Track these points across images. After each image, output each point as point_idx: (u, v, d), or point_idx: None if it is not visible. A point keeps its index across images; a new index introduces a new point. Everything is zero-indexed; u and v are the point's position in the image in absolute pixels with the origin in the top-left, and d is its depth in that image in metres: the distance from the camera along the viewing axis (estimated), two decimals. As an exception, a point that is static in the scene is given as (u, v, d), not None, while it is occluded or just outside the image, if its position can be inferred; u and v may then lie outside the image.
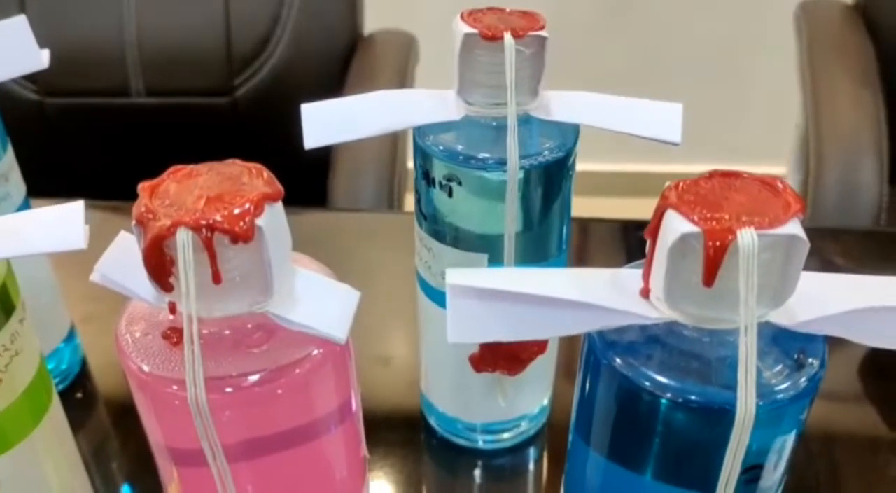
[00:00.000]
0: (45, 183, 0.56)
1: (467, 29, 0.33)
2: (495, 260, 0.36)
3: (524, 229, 0.36)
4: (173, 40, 1.02)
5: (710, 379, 0.24)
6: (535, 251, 0.37)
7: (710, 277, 0.22)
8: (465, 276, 0.25)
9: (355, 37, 1.05)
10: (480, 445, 0.44)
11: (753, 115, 1.55)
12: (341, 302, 0.26)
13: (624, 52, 1.56)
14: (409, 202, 1.01)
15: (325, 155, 0.94)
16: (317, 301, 0.25)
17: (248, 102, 1.03)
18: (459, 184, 0.35)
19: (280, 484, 0.28)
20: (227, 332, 0.25)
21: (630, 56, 1.57)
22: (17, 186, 0.42)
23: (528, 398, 0.43)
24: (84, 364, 0.50)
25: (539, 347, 0.41)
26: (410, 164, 1.06)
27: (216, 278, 0.23)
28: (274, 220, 0.24)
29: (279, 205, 0.24)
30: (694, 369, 0.24)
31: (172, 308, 0.24)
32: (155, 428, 0.27)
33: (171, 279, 0.23)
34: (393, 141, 0.93)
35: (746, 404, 0.23)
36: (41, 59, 0.38)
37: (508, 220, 0.35)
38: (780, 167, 1.41)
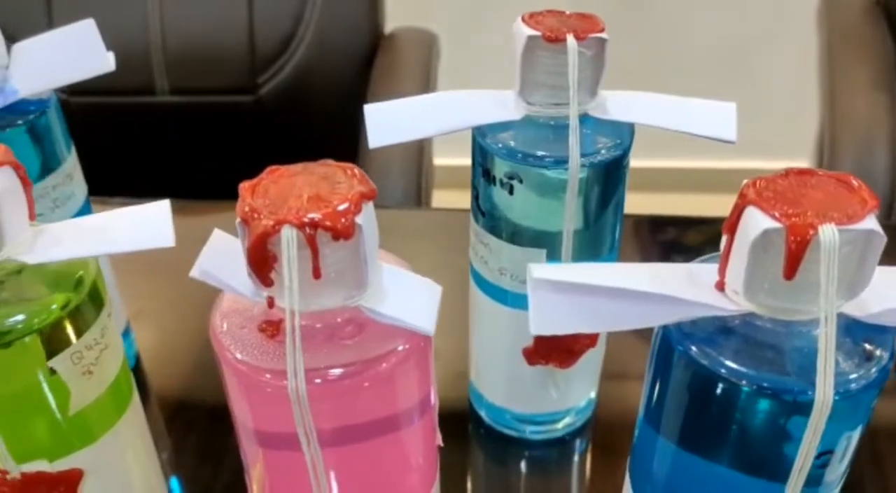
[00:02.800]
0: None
1: (530, 31, 0.34)
2: (553, 256, 0.37)
3: (581, 227, 0.37)
4: (197, 39, 1.03)
5: (785, 368, 0.25)
6: (590, 248, 0.38)
7: (791, 270, 0.23)
8: (548, 270, 0.26)
9: (377, 35, 1.06)
10: (529, 436, 0.45)
11: (770, 111, 1.56)
12: (426, 296, 0.27)
13: (638, 49, 1.57)
14: (437, 199, 1.02)
15: (349, 153, 0.95)
16: (404, 295, 0.27)
17: (272, 100, 1.04)
18: (521, 181, 0.36)
19: (363, 471, 0.29)
20: (318, 325, 0.26)
21: (644, 53, 1.58)
22: (80, 185, 0.43)
23: (577, 391, 0.44)
24: (138, 359, 0.51)
25: (590, 340, 0.42)
26: (438, 161, 1.07)
27: (316, 274, 0.24)
28: (369, 217, 0.25)
29: (371, 203, 0.25)
30: (770, 359, 0.25)
31: (271, 303, 0.25)
32: (245, 413, 0.28)
33: (272, 275, 0.25)
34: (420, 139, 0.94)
35: (825, 393, 0.24)
36: (108, 61, 0.39)
37: (567, 217, 0.36)
38: (801, 162, 1.42)
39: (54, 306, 0.28)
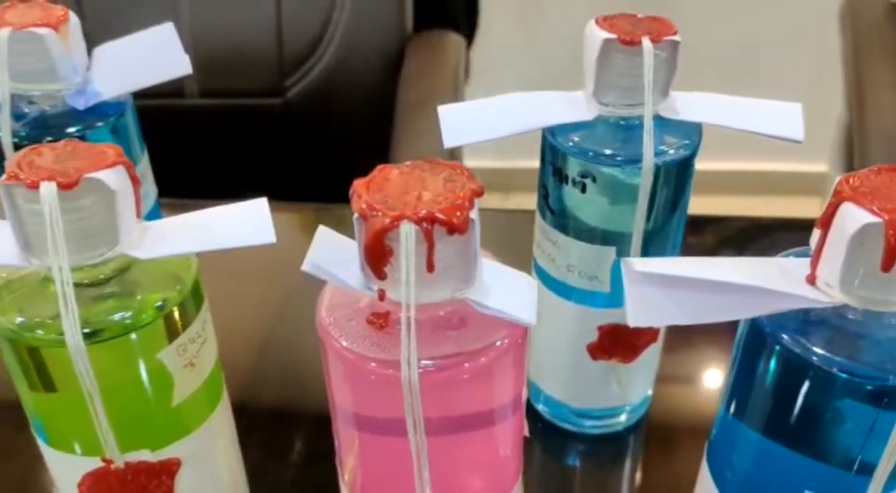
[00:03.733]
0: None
1: (606, 34, 0.35)
2: (621, 254, 0.38)
3: (650, 225, 0.38)
4: (226, 42, 1.04)
5: (877, 358, 0.26)
6: (657, 246, 0.39)
7: (889, 263, 0.24)
8: (644, 264, 0.27)
9: (405, 38, 1.07)
10: (587, 430, 0.46)
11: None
12: (524, 289, 0.28)
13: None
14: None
15: (377, 155, 0.96)
16: (504, 288, 0.28)
17: (300, 102, 1.05)
18: (593, 181, 0.37)
19: (458, 461, 0.30)
20: (423, 317, 0.27)
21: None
22: (152, 185, 0.44)
23: (636, 386, 0.45)
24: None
25: (652, 335, 0.43)
26: (468, 162, 1.08)
27: (430, 267, 0.25)
28: (476, 213, 0.26)
29: (477, 200, 0.26)
30: (861, 349, 0.26)
31: (382, 295, 0.26)
32: (347, 397, 0.29)
33: (386, 268, 0.26)
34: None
35: (920, 380, 0.25)
36: (186, 64, 0.40)
37: (639, 215, 0.37)
38: (819, 164, 1.43)
39: (159, 303, 0.29)
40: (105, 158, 0.28)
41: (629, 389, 0.45)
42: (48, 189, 0.26)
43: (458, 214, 0.25)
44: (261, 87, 1.05)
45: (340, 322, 0.28)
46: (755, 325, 0.28)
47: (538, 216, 0.41)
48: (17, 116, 0.39)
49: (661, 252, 0.40)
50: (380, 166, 0.27)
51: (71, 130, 0.39)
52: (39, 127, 0.39)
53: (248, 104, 1.06)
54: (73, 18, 0.38)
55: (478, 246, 0.26)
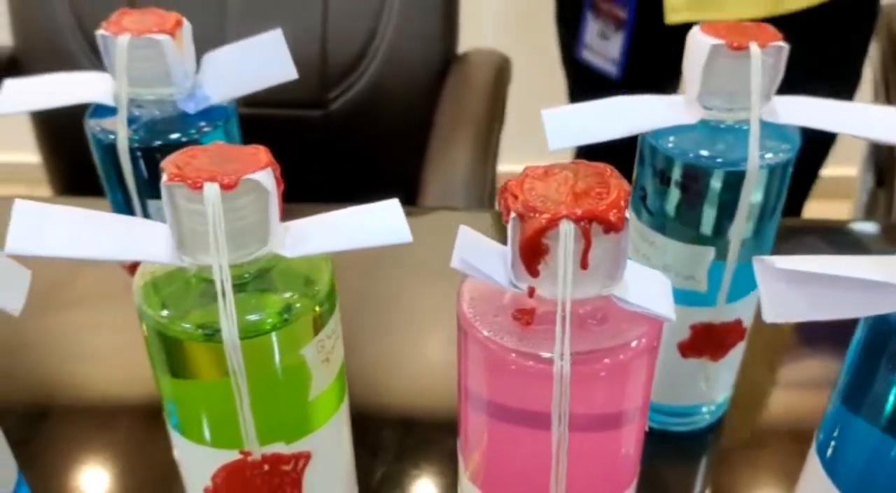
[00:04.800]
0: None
1: (714, 40, 0.36)
2: (720, 255, 0.39)
3: (750, 226, 0.39)
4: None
5: None
6: (754, 248, 0.40)
7: None
8: (777, 261, 0.28)
9: (449, 55, 1.07)
10: (671, 428, 0.47)
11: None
12: (660, 286, 0.29)
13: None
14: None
15: (414, 169, 0.96)
16: (643, 285, 0.29)
17: (341, 115, 1.06)
18: (696, 182, 0.38)
19: (585, 457, 0.31)
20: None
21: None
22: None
23: (721, 384, 0.46)
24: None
25: (740, 334, 0.44)
26: (501, 168, 1.07)
27: (584, 265, 0.26)
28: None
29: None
30: None
31: (532, 292, 0.27)
32: (482, 386, 0.30)
33: (539, 266, 0.27)
34: (485, 151, 0.96)
35: None
36: (292, 70, 0.41)
37: (739, 216, 0.38)
38: (848, 168, 1.44)
39: (304, 301, 0.30)
40: (259, 160, 0.29)
41: (714, 387, 0.46)
42: (211, 190, 0.27)
43: (615, 212, 0.26)
44: (303, 98, 1.06)
45: (486, 317, 0.29)
46: (882, 321, 0.29)
47: (633, 217, 0.42)
48: (129, 119, 0.40)
49: (758, 252, 0.40)
50: (529, 167, 0.28)
51: (180, 134, 0.40)
52: (151, 130, 0.40)
53: (290, 115, 1.06)
54: (186, 25, 0.40)
55: (627, 244, 0.27)
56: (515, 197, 0.26)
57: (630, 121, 0.38)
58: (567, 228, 0.25)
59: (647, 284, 0.29)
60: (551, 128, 0.38)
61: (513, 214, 0.26)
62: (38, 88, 0.42)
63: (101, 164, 0.42)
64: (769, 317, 0.28)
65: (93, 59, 1.05)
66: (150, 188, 0.41)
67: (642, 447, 0.33)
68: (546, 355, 0.27)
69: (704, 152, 0.38)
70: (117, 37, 0.38)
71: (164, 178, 0.28)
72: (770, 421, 0.49)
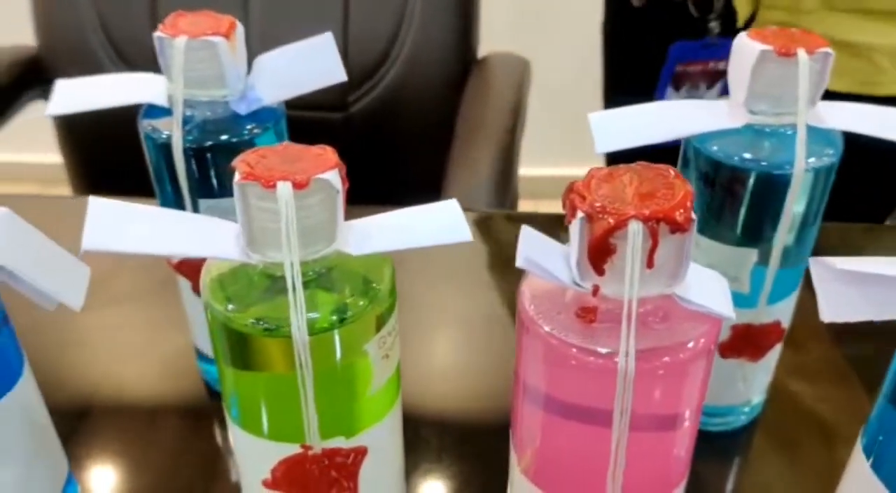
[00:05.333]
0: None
1: (762, 46, 0.36)
2: (763, 257, 0.40)
3: (794, 228, 0.40)
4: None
5: None
6: (796, 250, 0.41)
7: None
8: (832, 261, 0.29)
9: (470, 59, 1.08)
10: (708, 428, 0.48)
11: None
12: (719, 286, 0.30)
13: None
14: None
15: (434, 172, 0.97)
16: (703, 285, 0.29)
17: (362, 118, 1.07)
18: (741, 185, 0.39)
19: (641, 455, 0.31)
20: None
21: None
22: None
23: (759, 384, 0.47)
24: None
25: (779, 335, 0.44)
26: (523, 171, 1.07)
27: (650, 264, 0.27)
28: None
29: (689, 201, 0.28)
30: None
31: (596, 290, 0.28)
32: (540, 379, 0.31)
33: (605, 265, 0.27)
34: (508, 153, 0.96)
35: None
36: (342, 73, 0.42)
37: (784, 219, 0.38)
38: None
39: (369, 298, 0.31)
40: (327, 160, 0.29)
41: (752, 387, 0.46)
42: (284, 188, 0.28)
43: (681, 212, 0.26)
44: (323, 101, 1.06)
45: (549, 314, 0.29)
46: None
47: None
48: (182, 119, 0.41)
49: (799, 255, 0.41)
50: (594, 169, 0.28)
51: (232, 135, 0.41)
52: (203, 131, 0.41)
53: (309, 117, 1.06)
54: (240, 27, 0.40)
55: (692, 244, 0.28)
56: (583, 198, 0.27)
57: (675, 125, 0.39)
58: (636, 228, 0.26)
59: (707, 283, 0.30)
60: (598, 131, 0.39)
61: (581, 215, 0.27)
62: (90, 89, 0.43)
63: (153, 163, 0.43)
64: (826, 316, 0.29)
65: (115, 59, 1.06)
66: (201, 187, 0.42)
67: (693, 448, 0.34)
68: (605, 350, 0.28)
69: (749, 155, 0.38)
70: (175, 38, 0.38)
71: (237, 177, 0.28)
72: (804, 422, 0.50)
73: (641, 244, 0.26)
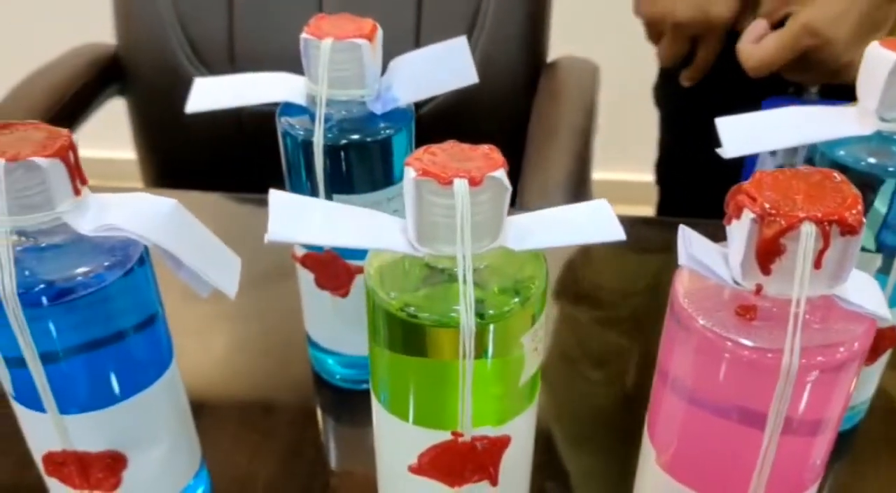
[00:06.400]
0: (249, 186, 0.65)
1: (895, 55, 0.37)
2: (886, 263, 0.41)
3: (919, 233, 0.40)
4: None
5: None
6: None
7: None
8: None
9: (540, 63, 1.09)
10: (813, 430, 0.49)
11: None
12: (872, 287, 0.31)
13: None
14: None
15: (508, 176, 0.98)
16: (859, 287, 0.30)
17: (431, 120, 1.08)
18: (873, 191, 0.39)
19: (783, 457, 0.32)
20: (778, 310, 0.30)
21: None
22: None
23: (866, 388, 0.47)
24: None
25: (893, 340, 0.45)
26: (596, 175, 1.08)
27: (818, 264, 0.28)
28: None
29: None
30: None
31: (759, 289, 0.29)
32: (688, 371, 0.32)
33: (772, 265, 0.28)
34: (583, 156, 0.97)
35: None
36: (473, 75, 0.43)
37: (912, 224, 0.39)
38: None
39: (518, 297, 0.32)
40: (495, 159, 0.31)
41: (860, 390, 0.47)
42: (461, 185, 0.29)
43: (853, 214, 0.27)
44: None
45: (707, 311, 0.30)
46: None
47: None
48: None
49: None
50: (759, 172, 0.29)
51: (366, 134, 0.43)
52: (340, 129, 0.42)
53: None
54: (380, 30, 0.42)
55: (858, 246, 0.28)
56: (753, 199, 0.28)
57: (804, 130, 0.40)
58: (808, 230, 0.27)
59: (862, 285, 0.30)
60: (726, 136, 0.39)
61: (751, 216, 0.28)
62: (227, 87, 0.44)
63: (290, 159, 0.44)
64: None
65: (192, 57, 1.08)
66: (336, 184, 0.43)
67: (830, 453, 0.35)
68: (768, 347, 0.29)
69: (881, 161, 0.39)
70: (321, 40, 0.40)
71: (413, 173, 0.30)
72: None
73: (813, 245, 0.27)
